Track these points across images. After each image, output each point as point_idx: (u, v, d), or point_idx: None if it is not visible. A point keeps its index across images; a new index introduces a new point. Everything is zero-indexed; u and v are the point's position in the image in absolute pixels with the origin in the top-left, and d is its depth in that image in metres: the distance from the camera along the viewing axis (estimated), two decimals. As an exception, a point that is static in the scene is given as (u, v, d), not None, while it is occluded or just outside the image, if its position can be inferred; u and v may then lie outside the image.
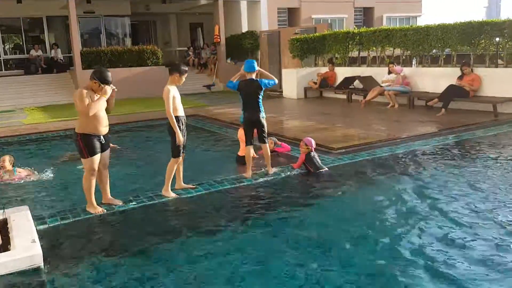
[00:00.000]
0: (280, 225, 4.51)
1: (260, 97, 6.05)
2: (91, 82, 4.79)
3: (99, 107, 4.77)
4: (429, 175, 5.88)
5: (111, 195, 5.23)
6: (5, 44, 19.67)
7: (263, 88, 6.04)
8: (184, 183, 5.66)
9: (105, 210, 4.97)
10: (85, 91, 4.75)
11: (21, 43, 19.86)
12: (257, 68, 6.12)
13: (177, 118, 5.23)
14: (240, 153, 6.82)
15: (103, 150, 4.97)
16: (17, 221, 4.42)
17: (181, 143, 5.28)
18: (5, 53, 19.43)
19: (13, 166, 6.53)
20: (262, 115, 6.06)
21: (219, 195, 5.49)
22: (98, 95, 4.77)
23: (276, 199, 5.32)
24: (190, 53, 21.17)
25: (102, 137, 4.90)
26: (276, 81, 6.29)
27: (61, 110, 13.79)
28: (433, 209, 4.69)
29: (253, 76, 6.06)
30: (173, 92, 5.19)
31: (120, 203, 5.17)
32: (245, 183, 5.86)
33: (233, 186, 5.78)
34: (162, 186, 5.45)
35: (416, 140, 7.78)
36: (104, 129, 4.90)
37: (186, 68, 5.37)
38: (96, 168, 4.91)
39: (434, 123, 9.12)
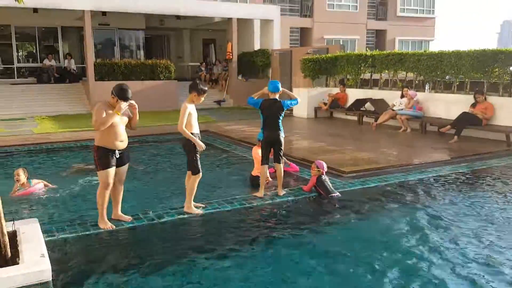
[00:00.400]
0: (289, 250, 4.44)
1: (281, 117, 6.11)
2: (111, 97, 4.82)
3: (111, 122, 4.73)
4: (440, 205, 5.78)
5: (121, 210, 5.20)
6: (19, 52, 19.91)
7: (285, 109, 6.10)
8: (194, 201, 5.62)
9: (114, 227, 4.93)
10: (102, 105, 4.77)
11: (34, 52, 20.08)
12: (281, 89, 6.13)
13: (193, 134, 5.25)
14: (253, 173, 6.76)
15: (119, 165, 4.95)
16: (26, 233, 4.38)
17: (202, 148, 5.27)
18: (19, 61, 19.64)
19: (27, 178, 6.44)
20: (282, 134, 6.12)
21: (228, 215, 5.43)
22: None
23: (286, 222, 5.25)
24: (203, 68, 21.31)
25: (117, 152, 4.88)
26: (299, 100, 6.41)
27: (72, 121, 13.86)
28: (444, 242, 4.59)
29: (277, 96, 6.09)
30: (189, 109, 5.22)
31: (129, 220, 5.13)
32: (254, 204, 5.80)
33: (243, 206, 5.72)
34: (168, 202, 5.42)
35: (428, 167, 7.69)
36: (120, 144, 4.88)
37: (206, 88, 5.36)
38: (110, 182, 4.88)
39: (446, 150, 9.04)
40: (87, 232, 4.81)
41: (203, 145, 5.30)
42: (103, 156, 4.82)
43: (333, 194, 6.08)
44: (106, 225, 4.91)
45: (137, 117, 5.04)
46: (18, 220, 4.74)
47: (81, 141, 10.40)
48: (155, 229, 4.97)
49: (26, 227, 4.53)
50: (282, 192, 6.16)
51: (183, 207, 5.48)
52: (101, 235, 4.77)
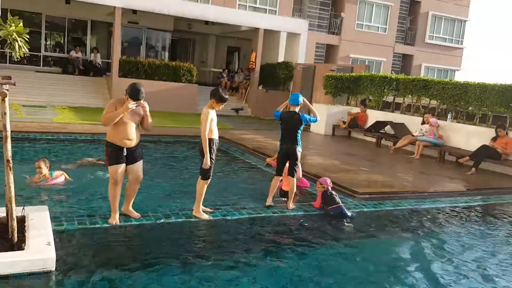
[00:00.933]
0: (292, 266, 4.37)
1: (300, 131, 6.03)
2: (124, 95, 4.86)
3: (117, 119, 4.73)
4: (452, 237, 5.64)
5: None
6: (47, 41, 20.26)
7: (303, 123, 6.01)
8: (202, 205, 5.59)
9: (118, 223, 4.91)
10: (115, 102, 4.86)
11: (62, 43, 20.43)
12: (301, 101, 6.04)
13: (210, 140, 5.22)
14: (284, 188, 6.62)
15: (130, 163, 4.94)
16: (34, 220, 4.39)
17: (207, 166, 5.23)
18: (46, 50, 19.98)
19: (49, 169, 6.42)
20: (299, 148, 6.05)
21: (234, 224, 5.38)
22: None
23: (290, 236, 5.19)
24: (224, 75, 21.42)
25: (125, 149, 4.87)
26: (318, 118, 6.34)
27: (92, 113, 14.00)
28: (452, 277, 4.46)
29: (296, 109, 6.03)
30: (211, 115, 5.22)
31: (138, 217, 5.12)
32: (262, 214, 5.75)
33: (250, 216, 5.67)
34: (179, 202, 5.40)
35: (443, 197, 7.55)
36: (127, 142, 4.85)
37: (226, 97, 5.33)
38: (118, 178, 4.88)
39: (462, 181, 8.87)
40: (95, 226, 4.81)
41: (209, 164, 5.23)
42: (112, 152, 4.86)
43: (341, 209, 5.97)
44: (112, 220, 4.91)
45: (150, 119, 4.97)
46: (28, 206, 4.76)
47: (98, 134, 10.46)
48: (161, 229, 4.95)
49: (35, 214, 4.54)
50: (291, 206, 6.10)
51: (191, 209, 5.46)
52: (109, 229, 4.77)
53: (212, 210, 5.60)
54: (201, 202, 5.44)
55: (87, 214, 5.11)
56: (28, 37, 4.17)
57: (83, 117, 13.05)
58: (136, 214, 5.14)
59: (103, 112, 4.84)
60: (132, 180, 5.06)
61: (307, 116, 6.07)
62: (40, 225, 4.29)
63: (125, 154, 4.89)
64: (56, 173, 6.50)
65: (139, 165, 5.05)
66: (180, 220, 5.24)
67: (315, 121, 6.25)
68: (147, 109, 4.91)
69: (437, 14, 28.07)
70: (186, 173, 7.80)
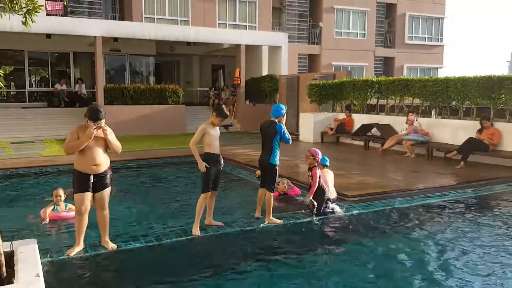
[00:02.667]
0: (282, 277, 4.38)
1: (275, 141, 5.79)
2: (86, 121, 4.73)
3: (80, 147, 4.63)
4: (444, 232, 5.66)
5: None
6: (32, 77, 20.32)
7: (279, 134, 5.77)
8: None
9: (79, 254, 4.76)
10: (76, 129, 4.74)
11: (47, 76, 20.49)
12: (282, 112, 5.92)
13: (209, 154, 5.39)
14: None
15: (96, 190, 4.80)
16: (23, 254, 4.37)
17: (202, 169, 5.32)
18: (31, 85, 20.04)
19: (64, 200, 6.28)
20: (273, 160, 5.79)
21: (226, 239, 5.39)
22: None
23: (280, 248, 5.21)
24: (211, 93, 21.55)
25: (92, 176, 4.73)
26: (290, 141, 5.91)
27: (80, 143, 13.96)
28: (445, 273, 4.47)
29: (277, 120, 5.88)
30: (206, 129, 5.41)
31: (113, 248, 4.92)
32: (254, 227, 5.75)
33: (242, 229, 5.67)
34: (165, 226, 5.41)
35: (433, 192, 7.60)
36: (94, 167, 4.71)
37: (224, 114, 5.46)
38: (83, 207, 4.75)
39: (452, 175, 8.95)
40: (84, 254, 4.79)
41: (203, 167, 5.32)
42: (78, 180, 4.73)
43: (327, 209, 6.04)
44: (72, 251, 4.75)
45: (116, 142, 4.84)
46: (17, 240, 4.74)
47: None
48: (152, 251, 4.94)
49: (24, 247, 4.52)
50: (272, 220, 5.89)
51: (181, 228, 5.47)
52: (98, 257, 4.76)
53: (223, 224, 5.66)
54: (199, 218, 5.45)
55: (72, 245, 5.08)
56: (2, 72, 4.18)
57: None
58: (111, 246, 4.94)
59: (66, 141, 4.71)
60: (98, 207, 4.90)
61: (284, 130, 5.79)
62: (28, 258, 4.27)
63: (92, 181, 4.74)
64: (71, 206, 6.23)
65: (105, 193, 4.89)
66: (169, 241, 5.22)
67: (288, 141, 5.85)
68: (108, 132, 4.74)
69: (414, 14, 28.53)
70: (178, 193, 7.80)
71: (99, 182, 4.79)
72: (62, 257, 4.70)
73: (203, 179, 5.43)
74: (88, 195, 4.75)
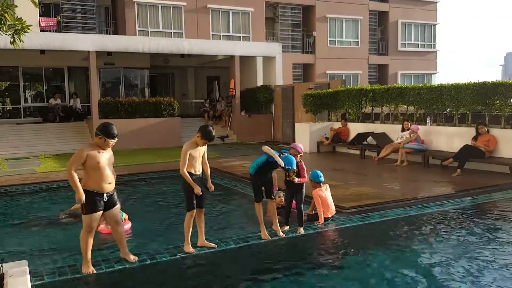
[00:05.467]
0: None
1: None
2: (96, 138, 4.77)
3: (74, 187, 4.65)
4: (443, 245, 5.55)
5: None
6: (26, 92, 20.27)
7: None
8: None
9: (95, 271, 4.77)
10: (86, 149, 4.70)
11: (42, 92, 20.44)
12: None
13: (190, 174, 5.23)
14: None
15: (108, 208, 4.85)
16: (14, 277, 4.29)
17: (199, 193, 5.21)
18: (25, 101, 19.97)
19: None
20: (250, 168, 5.88)
21: (221, 256, 5.31)
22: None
23: (278, 263, 5.12)
24: (207, 105, 21.54)
25: (105, 195, 4.79)
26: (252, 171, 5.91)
27: (74, 159, 13.88)
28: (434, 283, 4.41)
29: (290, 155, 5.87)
30: (189, 151, 5.22)
31: (135, 260, 5.02)
32: (249, 243, 5.67)
33: (238, 245, 5.59)
34: (160, 244, 5.35)
35: (431, 202, 7.55)
36: (108, 186, 4.79)
37: (210, 136, 5.29)
38: (94, 226, 4.79)
39: (449, 183, 8.91)
40: (77, 275, 4.70)
41: (199, 190, 5.22)
42: (90, 201, 4.70)
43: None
44: (88, 269, 4.75)
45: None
46: (8, 263, 4.66)
47: (81, 179, 10.37)
48: (147, 270, 4.86)
49: (14, 270, 4.43)
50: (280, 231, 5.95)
51: (175, 246, 5.40)
52: (90, 277, 4.67)
53: (215, 246, 5.49)
54: (189, 237, 5.36)
55: (68, 264, 5.00)
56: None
57: (65, 164, 12.87)
58: (133, 258, 5.03)
59: (71, 162, 4.68)
60: (113, 224, 4.98)
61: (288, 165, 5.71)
62: (19, 282, 4.19)
63: (105, 200, 4.78)
64: (126, 216, 6.37)
65: (117, 209, 4.99)
66: (164, 259, 5.14)
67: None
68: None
69: (406, 22, 28.68)
70: (172, 209, 7.72)
71: (110, 201, 4.85)
72: (53, 279, 4.61)
73: (186, 198, 5.33)
74: (100, 214, 4.81)
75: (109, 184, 4.80)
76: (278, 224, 5.99)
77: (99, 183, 4.71)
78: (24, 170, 11.94)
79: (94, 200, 4.72)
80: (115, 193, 4.95)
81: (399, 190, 8.49)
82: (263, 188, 5.89)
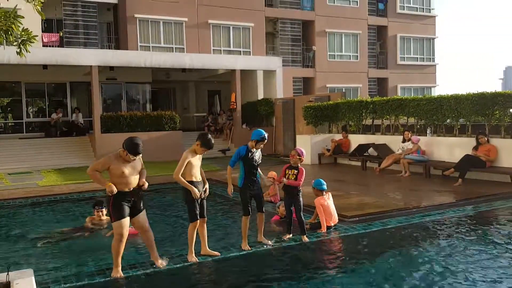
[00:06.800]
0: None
1: (241, 163, 5.91)
2: (121, 149, 4.87)
3: (101, 183, 4.83)
4: (444, 253, 5.54)
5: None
6: (29, 108, 20.39)
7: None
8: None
9: (123, 276, 4.86)
10: (112, 157, 4.86)
11: (44, 107, 20.56)
12: (253, 138, 5.89)
13: (191, 182, 5.26)
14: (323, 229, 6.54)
15: (135, 214, 4.96)
16: (20, 285, 4.31)
17: (197, 195, 5.24)
18: (28, 116, 20.09)
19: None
20: (238, 182, 5.90)
21: (225, 264, 5.33)
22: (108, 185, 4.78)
23: (281, 271, 5.14)
24: (209, 119, 21.69)
25: (131, 200, 4.89)
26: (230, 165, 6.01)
27: (76, 173, 13.95)
28: None
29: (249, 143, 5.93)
30: (189, 158, 5.26)
31: (163, 266, 5.11)
32: (251, 251, 5.69)
33: (240, 253, 5.62)
34: (162, 253, 5.37)
35: (433, 210, 7.58)
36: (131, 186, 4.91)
37: (209, 144, 5.33)
38: (124, 233, 4.86)
39: (451, 193, 8.94)
40: (81, 282, 4.73)
41: (198, 193, 5.26)
42: (117, 207, 4.83)
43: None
44: (117, 273, 4.86)
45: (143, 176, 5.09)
46: (14, 271, 4.68)
47: (84, 193, 10.45)
48: (150, 279, 4.88)
49: (20, 279, 4.45)
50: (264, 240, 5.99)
51: (179, 255, 5.43)
52: (96, 285, 4.69)
53: (219, 254, 5.52)
54: (192, 246, 5.38)
55: (73, 273, 5.02)
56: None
57: (68, 178, 12.99)
58: (162, 262, 5.14)
59: (95, 164, 4.85)
60: (141, 230, 5.09)
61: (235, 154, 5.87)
62: (25, 289, 4.21)
63: (130, 205, 4.89)
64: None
65: (143, 214, 5.08)
66: (168, 267, 5.16)
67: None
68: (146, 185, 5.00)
69: (405, 36, 28.97)
70: (172, 221, 7.75)
71: (135, 206, 4.95)
72: (59, 286, 4.63)
73: (189, 208, 5.33)
74: (128, 220, 4.90)
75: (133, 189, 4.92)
76: (262, 235, 5.99)
77: (122, 188, 4.84)
78: (26, 184, 11.97)
79: (120, 205, 4.82)
80: (140, 200, 5.03)
81: (401, 199, 8.52)
82: (253, 200, 5.90)
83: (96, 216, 7.31)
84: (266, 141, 5.86)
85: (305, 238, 6.04)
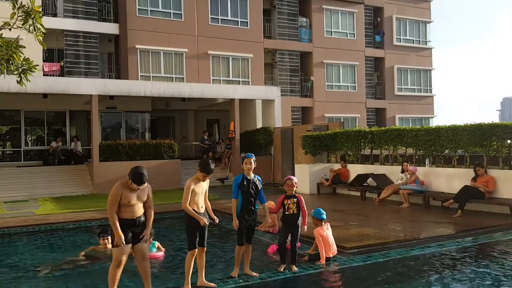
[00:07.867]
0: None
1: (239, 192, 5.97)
2: (127, 178, 4.83)
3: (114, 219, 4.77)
4: (446, 285, 5.50)
5: None
6: (28, 136, 20.41)
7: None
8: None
9: None
10: (120, 187, 4.80)
11: (43, 135, 20.59)
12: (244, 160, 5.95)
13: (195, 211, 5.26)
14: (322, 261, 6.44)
15: (137, 242, 4.89)
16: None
17: (205, 224, 5.23)
18: (26, 145, 20.08)
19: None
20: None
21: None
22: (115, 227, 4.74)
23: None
24: (205, 137, 21.64)
25: (136, 220, 4.85)
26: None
27: (74, 202, 13.87)
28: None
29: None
30: (192, 187, 5.27)
31: None
32: (249, 283, 5.59)
33: (238, 285, 5.52)
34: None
35: (433, 242, 7.49)
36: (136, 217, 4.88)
37: (208, 170, 5.34)
38: (123, 260, 4.78)
39: (450, 224, 8.87)
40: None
41: (205, 220, 5.24)
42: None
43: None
44: None
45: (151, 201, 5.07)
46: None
47: (80, 222, 10.34)
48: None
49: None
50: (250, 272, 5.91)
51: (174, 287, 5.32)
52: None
53: (216, 286, 5.42)
54: (189, 277, 5.31)
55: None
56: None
57: (65, 206, 12.88)
58: None
59: (110, 203, 4.79)
60: (140, 258, 4.98)
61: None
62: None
63: (134, 227, 4.84)
64: (158, 244, 7.25)
65: (145, 244, 5.02)
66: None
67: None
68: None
69: (402, 67, 29.37)
70: (172, 249, 7.64)
71: (138, 234, 4.89)
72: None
73: (188, 236, 5.31)
74: (129, 247, 4.83)
75: (138, 217, 4.88)
76: (248, 267, 5.92)
77: (127, 216, 4.82)
78: (22, 213, 11.86)
79: (123, 232, 4.75)
80: (144, 227, 4.97)
81: (400, 230, 8.45)
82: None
83: (101, 244, 7.25)
84: (252, 159, 5.86)
85: (294, 268, 5.98)
